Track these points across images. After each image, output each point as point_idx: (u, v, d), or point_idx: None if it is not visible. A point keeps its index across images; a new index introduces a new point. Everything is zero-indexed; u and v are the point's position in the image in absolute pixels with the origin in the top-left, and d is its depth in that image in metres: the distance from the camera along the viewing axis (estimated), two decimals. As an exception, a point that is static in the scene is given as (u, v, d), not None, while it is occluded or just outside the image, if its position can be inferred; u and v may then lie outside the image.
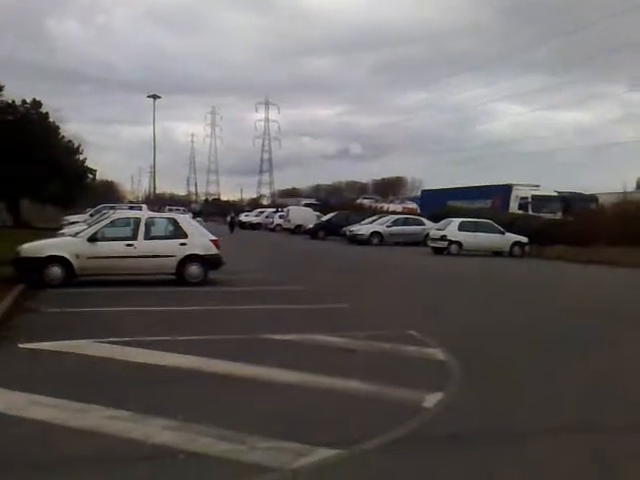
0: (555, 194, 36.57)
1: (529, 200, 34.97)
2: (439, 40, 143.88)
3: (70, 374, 6.07)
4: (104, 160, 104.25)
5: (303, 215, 43.39)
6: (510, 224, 27.56)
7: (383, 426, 4.60)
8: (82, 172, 43.17)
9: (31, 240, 14.11)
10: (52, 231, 23.74)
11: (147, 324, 8.67)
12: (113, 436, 4.34)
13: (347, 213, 39.51)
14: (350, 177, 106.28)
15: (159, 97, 42.37)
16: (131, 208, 33.31)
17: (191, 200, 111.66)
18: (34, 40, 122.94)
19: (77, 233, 14.08)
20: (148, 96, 41.91)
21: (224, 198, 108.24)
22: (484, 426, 4.86)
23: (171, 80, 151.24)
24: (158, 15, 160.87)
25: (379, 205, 52.39)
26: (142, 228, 13.06)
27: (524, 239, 25.80)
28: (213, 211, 72.52)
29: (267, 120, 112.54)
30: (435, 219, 30.74)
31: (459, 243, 25.44)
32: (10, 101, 37.18)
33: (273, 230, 46.81)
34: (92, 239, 12.77)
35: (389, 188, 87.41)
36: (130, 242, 12.88)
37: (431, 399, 5.28)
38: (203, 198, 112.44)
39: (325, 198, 69.36)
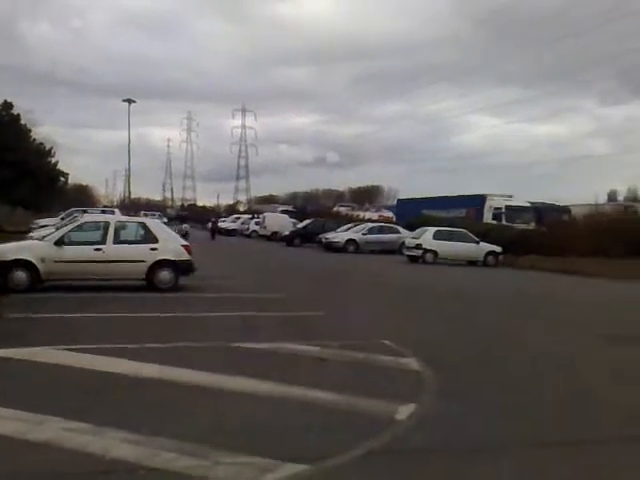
0: (528, 205, 37.00)
1: (503, 210, 35.31)
2: (416, 51, 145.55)
3: (27, 383, 5.79)
4: (78, 164, 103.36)
5: (279, 222, 43.25)
6: (484, 234, 27.70)
7: (354, 439, 4.43)
8: (54, 175, 42.47)
9: (-2, 243, 13.69)
10: (21, 234, 23.19)
11: (112, 331, 8.40)
12: (70, 450, 4.13)
13: (323, 220, 39.52)
14: (327, 185, 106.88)
15: (134, 101, 42.23)
16: (103, 212, 32.76)
17: (167, 205, 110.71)
18: (7, 42, 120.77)
19: (44, 237, 13.70)
20: (123, 100, 41.67)
21: (200, 204, 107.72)
22: (458, 439, 4.72)
23: (147, 85, 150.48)
24: (135, 20, 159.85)
25: (355, 213, 52.55)
26: (111, 232, 12.74)
27: (498, 249, 25.96)
28: (189, 217, 71.87)
29: (244, 127, 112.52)
30: (410, 228, 30.82)
31: (434, 252, 25.47)
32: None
33: (249, 236, 46.55)
34: (59, 243, 12.42)
35: (365, 196, 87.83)
36: (98, 246, 12.55)
37: (404, 411, 5.13)
38: (179, 204, 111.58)
39: (301, 205, 69.22)
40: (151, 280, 12.81)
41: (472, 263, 25.50)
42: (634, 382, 6.79)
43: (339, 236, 32.62)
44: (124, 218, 15.71)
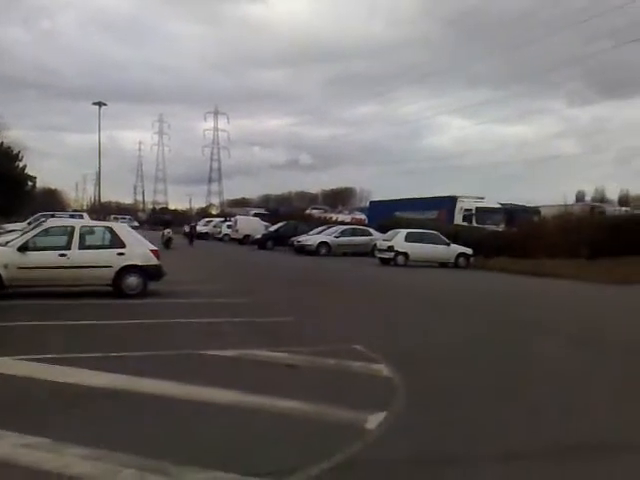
0: (499, 206, 37.40)
1: (473, 212, 35.62)
2: (388, 53, 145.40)
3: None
4: (49, 167, 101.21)
5: (251, 225, 43.00)
6: (455, 235, 27.88)
7: (323, 451, 4.31)
8: (21, 179, 41.58)
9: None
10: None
11: (75, 339, 8.14)
12: (27, 467, 3.93)
13: (295, 223, 39.34)
14: (300, 187, 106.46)
15: (105, 104, 41.79)
16: (72, 217, 32.13)
17: (138, 209, 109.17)
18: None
19: (7, 242, 13.30)
20: (93, 103, 41.15)
21: (172, 207, 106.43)
22: (429, 449, 4.63)
23: (118, 88, 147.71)
24: (105, 23, 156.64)
25: (328, 215, 52.53)
26: (76, 237, 12.40)
27: (469, 251, 26.14)
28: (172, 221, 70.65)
29: (216, 129, 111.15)
30: (383, 230, 30.88)
31: (406, 254, 25.54)
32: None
33: (221, 240, 46.11)
34: (22, 248, 12.06)
35: (338, 199, 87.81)
36: (63, 252, 12.21)
37: (374, 420, 5.02)
38: (150, 207, 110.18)
39: (274, 208, 68.99)
40: (119, 286, 12.51)
41: (443, 265, 25.64)
42: (606, 384, 6.81)
43: (311, 239, 32.53)
44: (90, 222, 15.34)
